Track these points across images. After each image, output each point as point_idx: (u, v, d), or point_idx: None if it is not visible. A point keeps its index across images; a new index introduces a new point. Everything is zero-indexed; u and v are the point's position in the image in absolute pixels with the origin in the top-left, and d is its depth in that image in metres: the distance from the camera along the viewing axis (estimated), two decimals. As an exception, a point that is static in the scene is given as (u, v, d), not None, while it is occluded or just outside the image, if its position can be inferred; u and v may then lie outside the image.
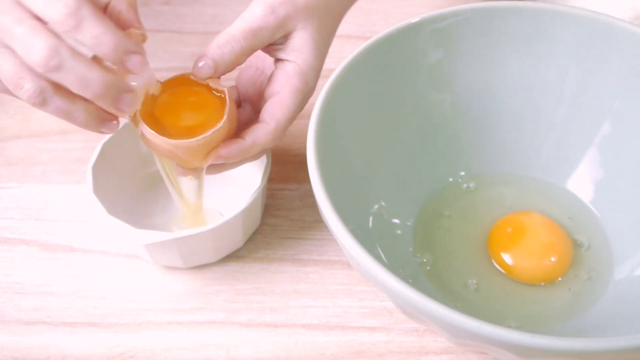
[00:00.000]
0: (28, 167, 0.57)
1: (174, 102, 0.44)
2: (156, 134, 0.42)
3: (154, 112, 0.43)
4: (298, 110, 0.46)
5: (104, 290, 0.49)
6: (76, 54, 0.38)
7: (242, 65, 0.46)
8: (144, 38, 0.42)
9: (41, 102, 0.39)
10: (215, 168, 0.46)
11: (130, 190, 0.53)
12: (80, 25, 0.37)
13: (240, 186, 0.54)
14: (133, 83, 0.41)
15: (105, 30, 0.38)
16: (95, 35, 0.38)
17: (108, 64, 0.40)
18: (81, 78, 0.38)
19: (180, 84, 0.44)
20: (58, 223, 0.53)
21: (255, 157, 0.47)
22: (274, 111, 0.44)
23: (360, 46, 0.47)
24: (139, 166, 0.54)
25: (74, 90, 0.39)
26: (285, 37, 0.45)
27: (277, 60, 0.46)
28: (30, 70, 0.38)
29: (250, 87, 0.49)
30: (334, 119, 0.44)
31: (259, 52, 0.48)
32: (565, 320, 0.45)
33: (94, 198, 0.48)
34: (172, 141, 0.42)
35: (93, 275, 0.50)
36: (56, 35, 0.38)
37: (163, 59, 0.66)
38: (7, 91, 0.41)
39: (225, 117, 0.43)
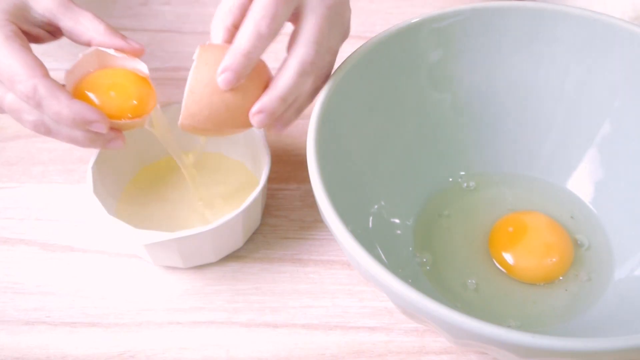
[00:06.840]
0: (28, 167, 0.57)
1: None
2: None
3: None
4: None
5: (104, 290, 0.49)
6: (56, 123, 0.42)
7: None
8: (141, 51, 0.45)
9: (45, 132, 0.43)
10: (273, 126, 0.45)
11: (130, 190, 0.53)
12: (41, 105, 0.41)
13: (240, 186, 0.54)
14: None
15: (62, 107, 0.41)
16: (54, 112, 0.41)
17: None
18: (69, 138, 0.43)
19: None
20: (58, 223, 0.53)
21: (309, 95, 0.45)
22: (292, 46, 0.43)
23: (360, 46, 0.47)
24: (139, 166, 0.54)
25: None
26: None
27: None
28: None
29: None
30: (334, 119, 0.44)
31: None
32: (565, 320, 0.45)
33: (94, 198, 0.48)
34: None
35: (93, 275, 0.50)
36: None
37: (163, 59, 0.66)
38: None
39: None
